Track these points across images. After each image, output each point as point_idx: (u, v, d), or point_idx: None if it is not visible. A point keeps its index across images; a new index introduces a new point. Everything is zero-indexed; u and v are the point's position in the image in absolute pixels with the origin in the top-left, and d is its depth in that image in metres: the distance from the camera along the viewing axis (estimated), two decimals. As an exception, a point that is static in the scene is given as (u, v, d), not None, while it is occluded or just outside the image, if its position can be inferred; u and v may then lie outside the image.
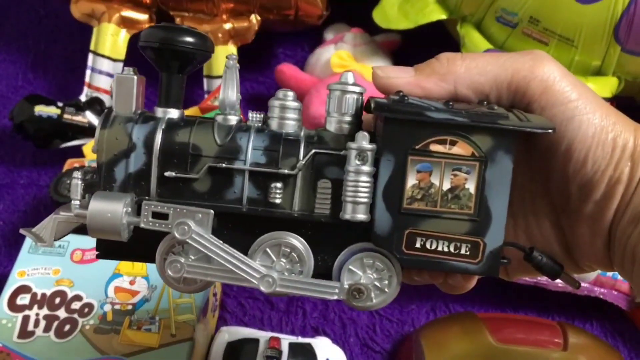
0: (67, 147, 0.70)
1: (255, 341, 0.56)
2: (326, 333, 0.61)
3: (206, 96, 0.72)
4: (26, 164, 0.73)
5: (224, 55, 0.73)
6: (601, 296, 0.59)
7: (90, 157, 0.66)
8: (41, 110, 0.68)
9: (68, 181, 0.58)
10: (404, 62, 0.36)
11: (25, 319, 0.51)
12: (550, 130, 0.30)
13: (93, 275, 0.54)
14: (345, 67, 0.71)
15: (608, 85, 0.63)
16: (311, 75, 0.75)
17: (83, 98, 0.72)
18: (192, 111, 0.69)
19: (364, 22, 0.74)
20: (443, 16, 0.69)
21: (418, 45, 0.77)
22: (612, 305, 0.59)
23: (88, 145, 0.67)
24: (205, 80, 0.73)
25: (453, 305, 0.63)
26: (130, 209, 0.32)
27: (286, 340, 0.56)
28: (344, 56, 0.72)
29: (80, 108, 0.70)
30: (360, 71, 0.71)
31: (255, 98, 0.79)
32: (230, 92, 0.34)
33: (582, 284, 0.59)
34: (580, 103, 0.32)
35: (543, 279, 0.58)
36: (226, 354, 0.56)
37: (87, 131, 0.70)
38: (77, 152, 0.68)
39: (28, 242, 0.55)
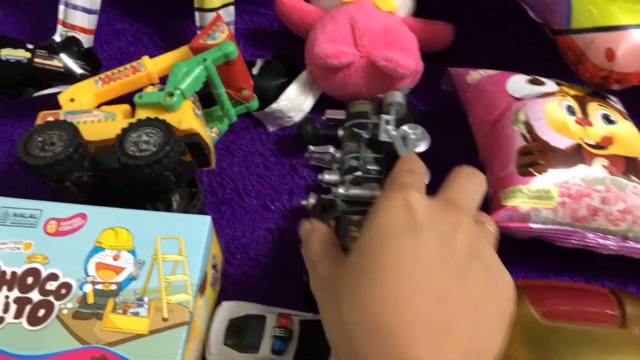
0: (41, 95, 0.61)
1: (261, 318, 0.49)
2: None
3: (198, 33, 0.62)
4: (-2, 116, 0.64)
5: (216, -17, 0.63)
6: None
7: (67, 107, 0.57)
8: (8, 54, 0.59)
9: (39, 138, 0.50)
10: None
11: (-7, 302, 0.44)
12: None
13: (70, 249, 0.46)
14: (358, -5, 0.61)
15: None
16: (316, 7, 0.65)
17: (57, 38, 0.62)
18: (182, 51, 0.59)
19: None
20: None
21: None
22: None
23: (64, 94, 0.58)
24: (197, 15, 0.63)
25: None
26: None
27: (297, 317, 0.49)
28: (355, -17, 0.62)
29: (53, 50, 0.61)
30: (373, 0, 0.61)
31: (256, 32, 0.69)
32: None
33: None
34: None
35: (593, 243, 0.50)
36: (229, 332, 0.49)
37: (63, 77, 0.61)
38: (54, 101, 0.59)
39: (-5, 211, 0.48)
